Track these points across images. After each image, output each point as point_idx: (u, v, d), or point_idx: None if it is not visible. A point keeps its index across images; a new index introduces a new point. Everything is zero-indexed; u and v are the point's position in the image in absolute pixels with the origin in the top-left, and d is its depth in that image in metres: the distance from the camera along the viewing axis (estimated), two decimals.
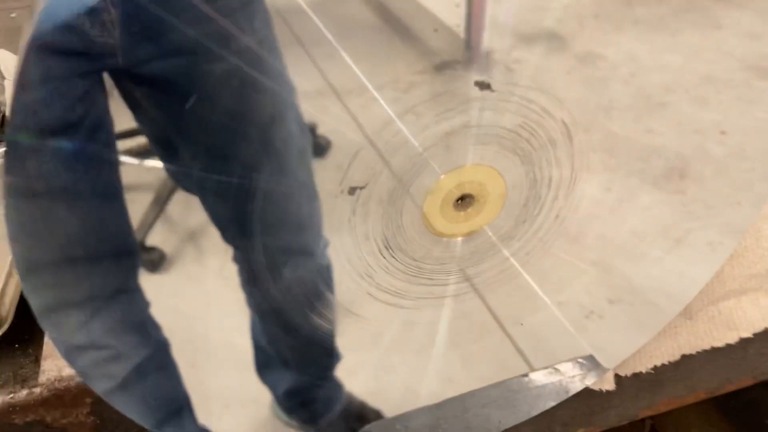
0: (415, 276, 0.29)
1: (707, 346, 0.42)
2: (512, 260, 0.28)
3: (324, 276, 0.31)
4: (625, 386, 0.47)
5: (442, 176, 0.26)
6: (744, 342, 0.44)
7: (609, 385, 0.40)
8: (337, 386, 0.39)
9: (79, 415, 0.34)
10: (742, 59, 0.32)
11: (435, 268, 0.29)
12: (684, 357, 0.43)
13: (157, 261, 0.33)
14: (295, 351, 0.36)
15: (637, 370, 0.41)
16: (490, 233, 0.28)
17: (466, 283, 0.29)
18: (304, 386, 0.39)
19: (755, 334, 0.42)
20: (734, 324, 0.41)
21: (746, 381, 0.51)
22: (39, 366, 0.33)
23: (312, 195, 0.29)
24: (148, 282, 0.31)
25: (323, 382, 0.38)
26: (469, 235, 0.28)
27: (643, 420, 0.56)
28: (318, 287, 0.31)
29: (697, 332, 0.41)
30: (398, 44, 0.35)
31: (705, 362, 0.48)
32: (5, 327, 0.32)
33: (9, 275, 0.34)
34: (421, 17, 0.34)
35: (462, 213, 0.27)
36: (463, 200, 0.27)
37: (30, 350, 0.34)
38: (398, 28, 0.36)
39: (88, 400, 0.34)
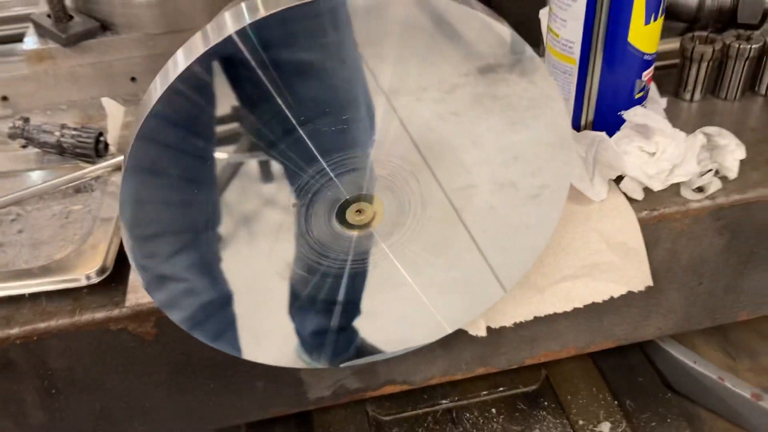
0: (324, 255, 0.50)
1: (551, 312, 0.62)
2: (386, 250, 0.50)
3: None
4: (507, 338, 0.67)
5: (348, 198, 0.47)
6: (579, 312, 0.64)
7: (481, 332, 0.61)
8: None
9: (147, 326, 0.57)
10: None
11: (339, 250, 0.50)
12: (539, 318, 0.63)
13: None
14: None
15: (501, 325, 0.62)
16: (374, 231, 0.49)
17: (360, 258, 0.50)
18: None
19: (585, 306, 0.62)
20: (570, 298, 0.61)
21: (607, 344, 0.71)
22: (125, 296, 0.56)
23: None
24: None
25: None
26: (361, 231, 0.50)
27: (539, 369, 0.77)
28: None
29: (544, 302, 0.61)
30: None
31: (570, 327, 0.68)
32: (108, 272, 0.55)
33: (112, 237, 0.57)
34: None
35: (358, 219, 0.49)
36: (359, 212, 0.49)
37: (120, 287, 0.57)
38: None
39: (153, 318, 0.57)
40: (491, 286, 0.54)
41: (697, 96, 0.74)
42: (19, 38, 0.82)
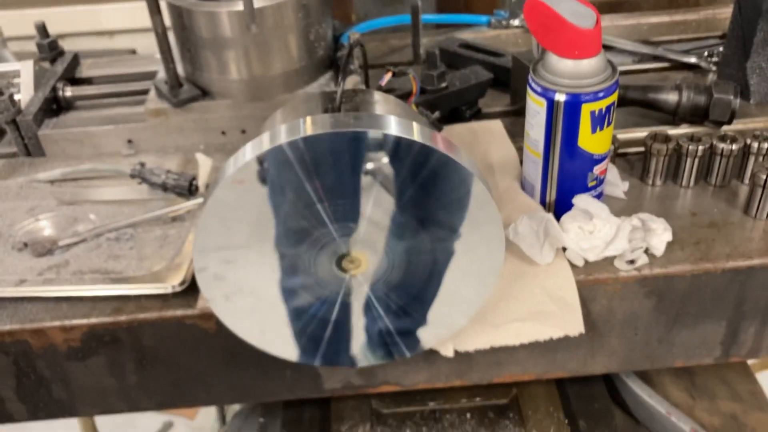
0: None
1: (504, 344, 0.81)
2: (366, 288, 0.71)
3: None
4: (477, 360, 0.86)
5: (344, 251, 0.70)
6: (534, 347, 0.83)
7: (449, 353, 0.81)
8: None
9: (210, 323, 0.81)
10: None
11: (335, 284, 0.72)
12: (497, 348, 0.82)
13: None
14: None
15: (466, 349, 0.82)
16: (360, 276, 0.71)
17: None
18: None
19: (530, 342, 0.81)
20: (519, 335, 0.80)
21: (562, 373, 0.90)
22: (197, 302, 0.81)
23: None
24: None
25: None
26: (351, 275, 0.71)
27: (511, 388, 0.96)
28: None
29: (498, 336, 0.80)
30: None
31: (529, 357, 0.87)
32: (186, 284, 0.80)
33: (191, 258, 0.82)
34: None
35: (350, 266, 0.71)
36: (352, 262, 0.70)
37: (194, 294, 0.81)
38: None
39: (215, 320, 0.81)
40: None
41: (658, 182, 0.91)
42: (144, 92, 1.09)
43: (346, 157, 0.64)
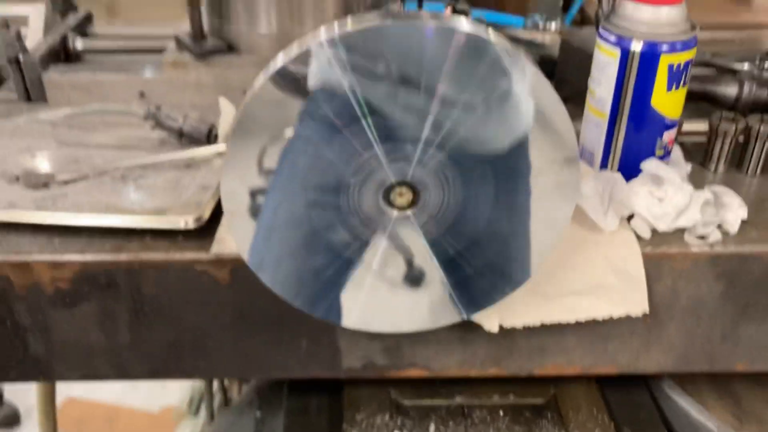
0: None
1: (557, 320, 0.71)
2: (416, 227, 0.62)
3: None
4: (519, 345, 0.76)
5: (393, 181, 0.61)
6: (586, 332, 0.73)
7: (494, 327, 0.71)
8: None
9: (224, 272, 0.71)
10: None
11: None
12: (547, 328, 0.72)
13: None
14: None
15: (512, 325, 0.72)
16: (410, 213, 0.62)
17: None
18: None
19: (586, 321, 0.72)
20: (574, 311, 0.71)
21: (611, 368, 0.79)
22: (211, 246, 0.71)
23: None
24: None
25: None
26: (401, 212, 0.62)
27: (549, 387, 0.86)
28: None
29: (551, 310, 0.71)
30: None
31: (577, 344, 0.77)
32: (202, 222, 0.70)
33: (210, 198, 0.72)
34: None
35: (400, 199, 0.61)
36: (401, 195, 0.61)
37: (209, 239, 0.71)
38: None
39: (229, 266, 0.70)
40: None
41: (721, 168, 0.83)
42: (160, 51, 1.01)
43: (409, 59, 0.55)
